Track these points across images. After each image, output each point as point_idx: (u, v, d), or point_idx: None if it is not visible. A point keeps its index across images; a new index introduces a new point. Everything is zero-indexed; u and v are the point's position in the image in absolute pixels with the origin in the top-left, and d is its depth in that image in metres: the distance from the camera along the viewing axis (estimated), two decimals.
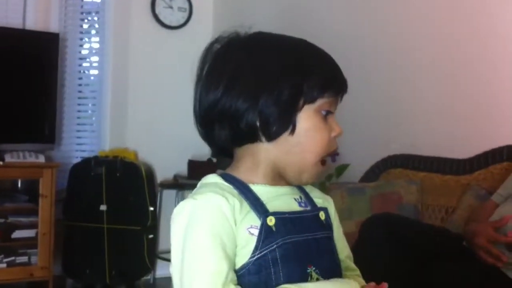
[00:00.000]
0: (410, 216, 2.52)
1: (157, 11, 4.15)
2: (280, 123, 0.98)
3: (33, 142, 3.65)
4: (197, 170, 3.79)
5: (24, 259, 3.47)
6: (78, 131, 4.07)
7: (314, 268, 0.98)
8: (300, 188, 1.07)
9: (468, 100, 2.80)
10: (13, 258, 3.44)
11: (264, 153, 1.01)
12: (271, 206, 0.99)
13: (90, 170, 3.72)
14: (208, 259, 0.91)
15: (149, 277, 3.91)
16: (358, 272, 1.12)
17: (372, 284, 1.02)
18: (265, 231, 0.95)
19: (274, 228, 0.96)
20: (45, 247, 3.46)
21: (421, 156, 2.90)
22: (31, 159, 3.47)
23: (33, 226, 3.48)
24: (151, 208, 3.75)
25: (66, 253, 3.71)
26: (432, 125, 2.95)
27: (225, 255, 0.92)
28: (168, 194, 3.92)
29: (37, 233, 3.46)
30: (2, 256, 3.41)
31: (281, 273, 0.95)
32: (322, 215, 1.05)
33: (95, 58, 4.15)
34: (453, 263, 1.90)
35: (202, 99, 1.01)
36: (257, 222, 0.96)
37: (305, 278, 0.97)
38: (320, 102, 0.99)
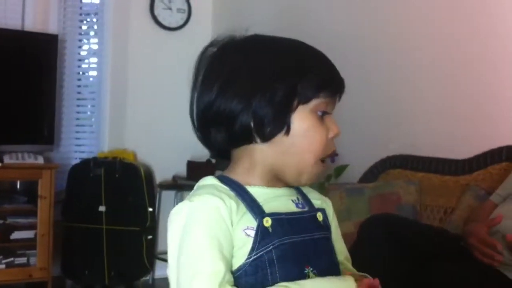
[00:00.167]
0: (409, 217, 2.52)
1: (156, 12, 4.15)
2: (274, 123, 0.98)
3: (32, 143, 3.65)
4: (196, 171, 3.79)
5: (23, 260, 3.47)
6: (77, 132, 4.07)
7: (311, 269, 0.98)
8: (298, 190, 1.07)
9: (468, 100, 2.79)
10: (12, 259, 3.44)
11: (260, 154, 1.01)
12: (268, 208, 0.98)
13: (89, 171, 3.72)
14: (205, 260, 0.91)
15: (148, 278, 3.91)
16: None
17: (366, 280, 1.02)
18: (261, 232, 0.95)
19: (270, 229, 0.96)
20: (44, 248, 3.46)
21: (420, 156, 2.90)
22: (30, 160, 3.47)
23: (32, 227, 3.48)
24: (150, 209, 3.74)
25: (65, 254, 3.71)
26: (431, 125, 2.95)
27: (222, 256, 0.92)
28: (167, 195, 3.92)
29: (36, 234, 3.46)
30: (1, 257, 3.40)
31: (277, 274, 0.95)
32: (319, 216, 1.05)
33: (94, 59, 4.15)
34: (452, 263, 1.89)
35: (198, 102, 1.01)
36: (254, 223, 0.96)
37: (302, 279, 0.96)
38: (315, 102, 0.99)
